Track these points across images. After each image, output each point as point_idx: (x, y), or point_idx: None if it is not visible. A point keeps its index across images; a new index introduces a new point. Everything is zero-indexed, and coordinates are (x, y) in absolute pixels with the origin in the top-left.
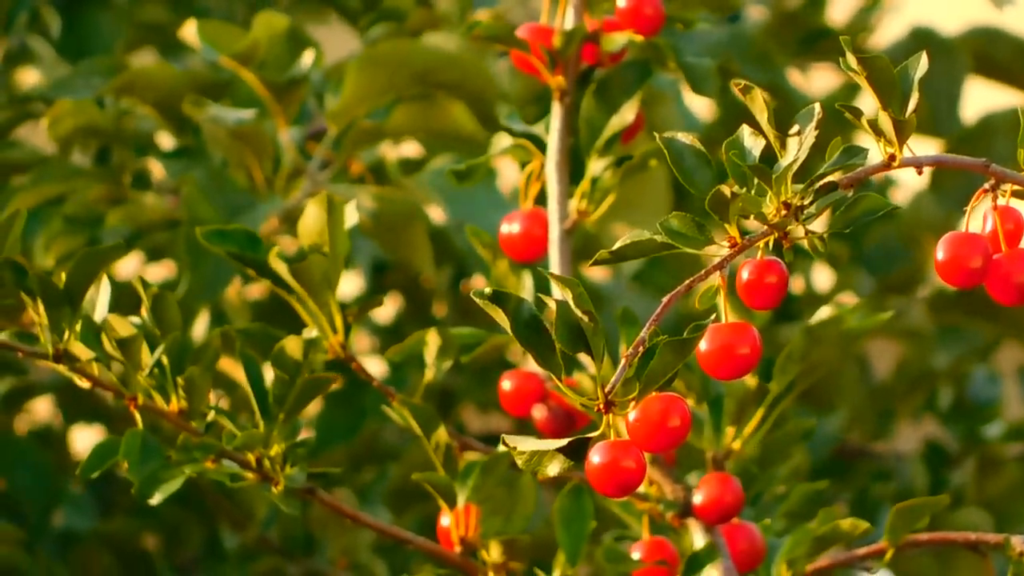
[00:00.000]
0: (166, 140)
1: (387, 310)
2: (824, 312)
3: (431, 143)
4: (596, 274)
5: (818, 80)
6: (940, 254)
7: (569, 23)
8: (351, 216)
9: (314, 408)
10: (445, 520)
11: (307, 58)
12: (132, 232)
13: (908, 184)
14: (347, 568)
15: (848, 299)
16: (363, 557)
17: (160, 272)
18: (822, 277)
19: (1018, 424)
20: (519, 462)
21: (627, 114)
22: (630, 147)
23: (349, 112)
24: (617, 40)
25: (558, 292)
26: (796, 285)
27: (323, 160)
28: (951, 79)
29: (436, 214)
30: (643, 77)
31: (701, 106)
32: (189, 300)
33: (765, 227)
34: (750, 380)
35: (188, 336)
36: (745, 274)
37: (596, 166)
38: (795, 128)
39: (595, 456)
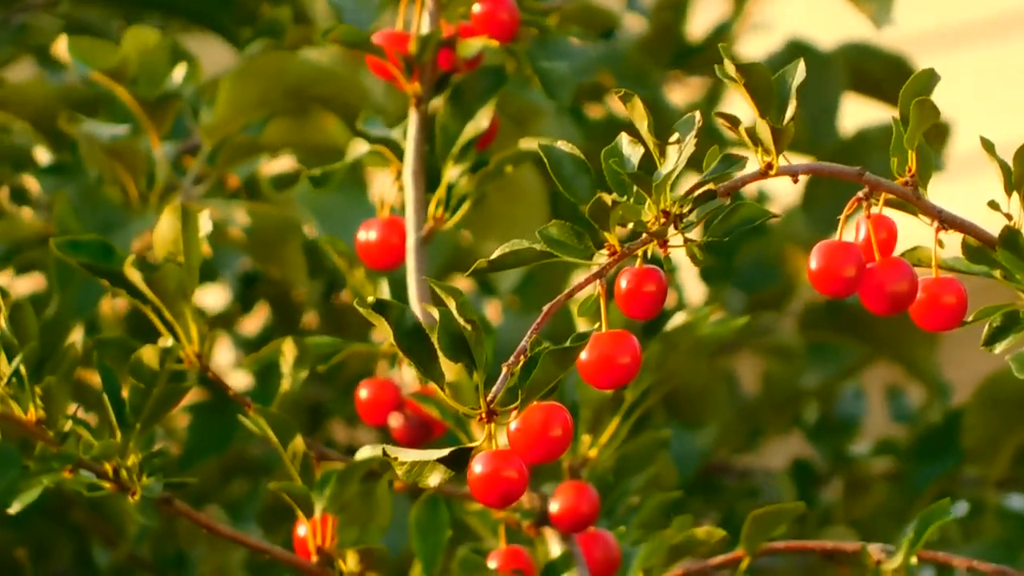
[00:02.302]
0: (44, 155)
1: (256, 322)
2: (678, 319)
3: (307, 157)
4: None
5: (679, 95)
6: (813, 263)
7: (425, 29)
8: (206, 225)
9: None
10: (302, 530)
11: (178, 73)
12: (8, 248)
13: (781, 200)
14: None
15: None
16: (235, 575)
17: (30, 284)
18: (694, 291)
19: (885, 440)
20: (399, 472)
21: (482, 120)
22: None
23: (223, 127)
24: (473, 45)
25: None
26: (668, 299)
27: (198, 175)
28: (828, 92)
29: (310, 228)
30: (498, 83)
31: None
32: (61, 318)
33: (644, 235)
34: None
35: (49, 346)
36: (624, 283)
37: (452, 173)
38: (675, 136)
39: (477, 466)
